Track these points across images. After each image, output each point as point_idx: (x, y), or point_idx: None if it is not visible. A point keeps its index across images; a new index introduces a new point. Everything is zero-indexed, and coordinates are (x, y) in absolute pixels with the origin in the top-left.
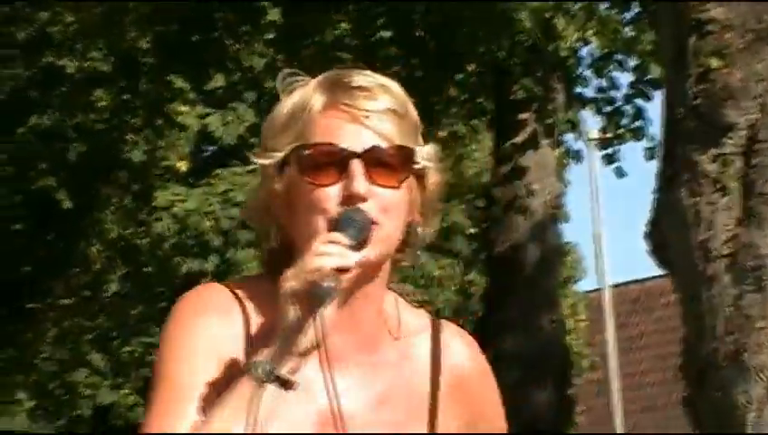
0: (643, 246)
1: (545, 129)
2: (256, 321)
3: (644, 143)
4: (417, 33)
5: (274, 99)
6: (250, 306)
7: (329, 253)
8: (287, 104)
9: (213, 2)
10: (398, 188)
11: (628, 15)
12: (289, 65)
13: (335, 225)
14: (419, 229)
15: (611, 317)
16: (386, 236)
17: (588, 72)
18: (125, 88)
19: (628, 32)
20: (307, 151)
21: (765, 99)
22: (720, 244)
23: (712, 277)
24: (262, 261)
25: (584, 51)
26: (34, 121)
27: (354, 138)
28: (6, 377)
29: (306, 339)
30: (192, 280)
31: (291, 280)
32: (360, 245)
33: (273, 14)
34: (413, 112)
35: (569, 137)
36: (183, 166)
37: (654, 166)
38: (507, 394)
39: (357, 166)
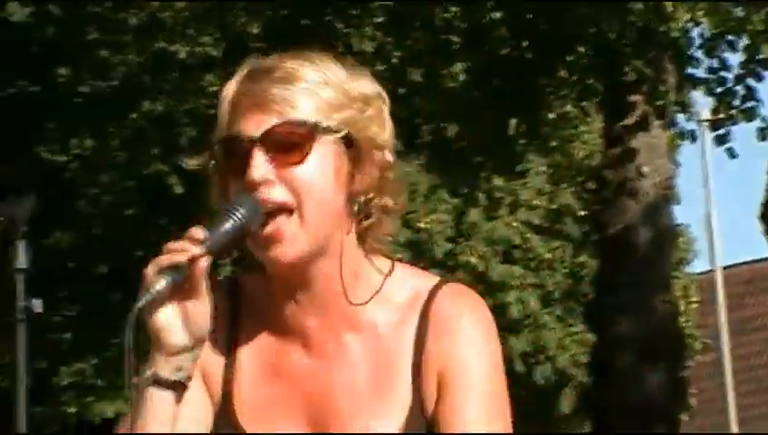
0: (756, 226)
1: (656, 110)
2: (247, 317)
3: (756, 123)
4: (528, 15)
5: (385, 81)
6: (243, 303)
7: (167, 250)
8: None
9: None
10: (302, 162)
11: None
12: (398, 49)
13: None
14: (374, 199)
15: (723, 299)
16: (306, 219)
17: (698, 53)
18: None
19: (739, 12)
20: (216, 147)
21: None
22: None
23: None
24: None
25: (695, 31)
26: (147, 107)
27: (256, 124)
28: (121, 362)
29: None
30: None
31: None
32: (244, 228)
33: None
34: (348, 87)
35: (679, 118)
36: None
37: (767, 146)
38: (620, 376)
39: (255, 152)
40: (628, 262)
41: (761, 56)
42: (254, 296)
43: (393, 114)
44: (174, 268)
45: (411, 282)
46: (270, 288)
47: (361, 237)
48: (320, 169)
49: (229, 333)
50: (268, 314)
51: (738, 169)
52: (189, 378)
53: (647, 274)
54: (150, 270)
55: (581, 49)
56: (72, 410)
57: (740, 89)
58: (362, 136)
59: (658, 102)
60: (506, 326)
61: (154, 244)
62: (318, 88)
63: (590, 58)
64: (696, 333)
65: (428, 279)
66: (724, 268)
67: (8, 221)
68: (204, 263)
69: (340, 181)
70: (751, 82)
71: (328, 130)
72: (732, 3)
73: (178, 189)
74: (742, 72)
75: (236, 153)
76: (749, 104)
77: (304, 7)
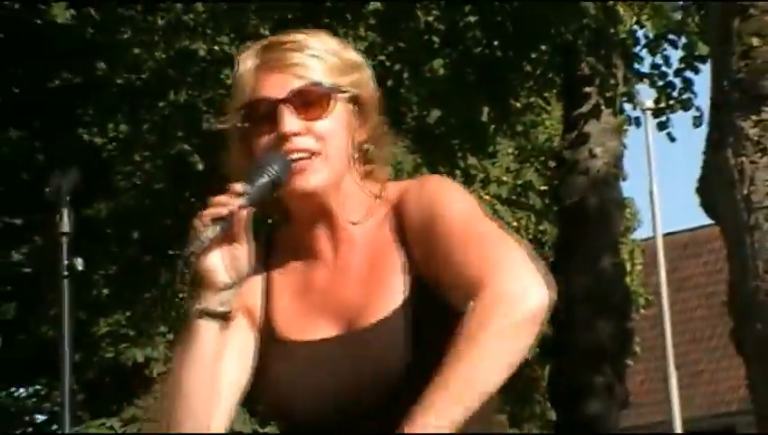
0: (693, 199)
1: (606, 100)
2: (278, 257)
3: (692, 112)
4: (497, 18)
5: (375, 75)
6: (275, 248)
7: (213, 204)
8: (235, 73)
9: None
10: (325, 117)
11: (676, 3)
12: (387, 47)
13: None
14: (372, 148)
15: (664, 261)
16: (329, 159)
17: (643, 51)
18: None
19: (677, 16)
20: (245, 111)
21: None
22: (761, 197)
23: (754, 226)
24: None
25: (640, 33)
26: (172, 97)
27: (280, 87)
28: (152, 312)
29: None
30: None
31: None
32: (276, 181)
33: (374, 4)
34: (345, 55)
35: (628, 107)
36: None
37: (700, 132)
38: (576, 326)
39: (283, 110)
40: (582, 230)
41: (697, 53)
42: (283, 241)
43: (382, 103)
44: (220, 219)
45: (391, 192)
46: (294, 230)
47: (363, 179)
48: (337, 121)
49: (265, 272)
50: (294, 250)
51: (683, 150)
52: (231, 310)
53: (598, 239)
54: (199, 222)
55: (543, 48)
56: (109, 355)
57: (678, 82)
58: (366, 96)
59: (608, 94)
60: None
61: (179, 213)
62: (324, 54)
63: (550, 56)
64: (641, 290)
65: (402, 185)
66: (665, 235)
67: (55, 192)
68: (243, 213)
69: (350, 132)
70: (688, 74)
71: (341, 90)
72: (672, 7)
73: (199, 166)
74: (681, 66)
75: (263, 113)
76: (686, 96)
77: (308, 11)
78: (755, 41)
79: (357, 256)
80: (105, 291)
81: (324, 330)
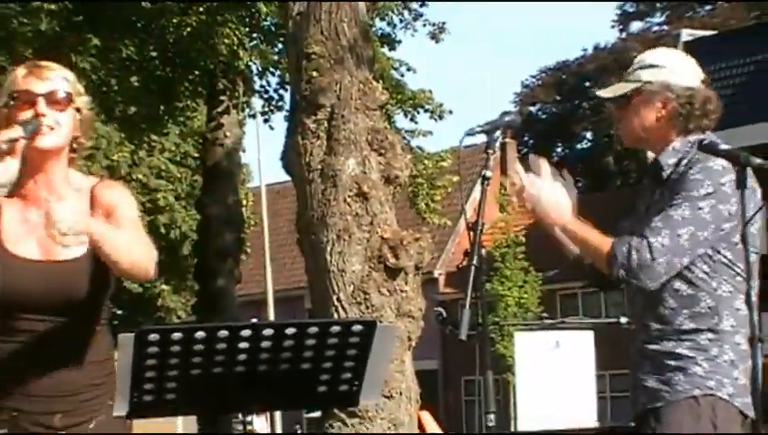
0: (281, 165)
1: (234, 105)
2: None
3: (284, 113)
4: (171, 53)
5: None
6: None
7: (3, 132)
8: (8, 78)
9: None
10: (64, 111)
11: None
12: (101, 69)
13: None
14: (79, 140)
15: (265, 201)
16: (58, 135)
17: (255, 77)
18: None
19: (275, 57)
20: (14, 97)
21: (339, 93)
22: (317, 164)
23: (311, 180)
24: None
25: (253, 66)
26: None
27: (41, 87)
28: None
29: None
30: None
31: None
32: (34, 131)
33: (94, 40)
34: (77, 84)
35: (247, 109)
36: None
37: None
38: (214, 235)
39: (41, 100)
40: (218, 179)
41: (286, 79)
42: (13, 194)
43: (95, 111)
44: (9, 140)
45: (83, 179)
46: (23, 182)
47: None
48: (68, 117)
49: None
50: (22, 196)
51: (279, 134)
52: None
53: (227, 186)
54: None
55: (197, 72)
56: None
57: (276, 95)
58: (84, 111)
59: (235, 101)
60: (155, 210)
61: None
62: (67, 77)
63: (200, 77)
64: (251, 216)
65: (91, 178)
66: (267, 185)
67: None
68: (21, 141)
69: (73, 127)
70: (282, 92)
71: (73, 101)
72: (270, 52)
73: None
74: (277, 87)
75: (26, 100)
76: (280, 103)
77: (44, 49)
78: (314, 73)
79: (66, 205)
80: None
81: (34, 251)
